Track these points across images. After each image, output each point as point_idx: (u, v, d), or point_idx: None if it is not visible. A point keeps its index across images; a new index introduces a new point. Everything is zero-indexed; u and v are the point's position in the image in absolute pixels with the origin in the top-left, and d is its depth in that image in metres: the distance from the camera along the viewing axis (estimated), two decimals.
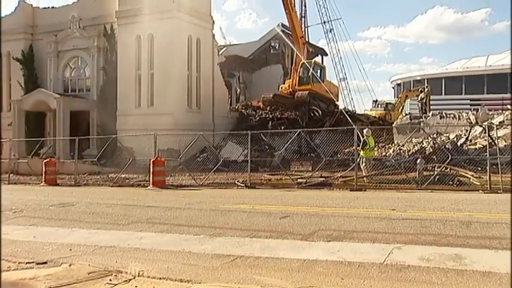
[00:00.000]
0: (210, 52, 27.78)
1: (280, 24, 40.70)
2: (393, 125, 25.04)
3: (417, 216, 9.09)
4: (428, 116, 25.07)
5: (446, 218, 8.75)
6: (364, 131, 16.89)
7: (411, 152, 19.99)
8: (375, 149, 18.60)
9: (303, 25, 43.99)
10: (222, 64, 30.94)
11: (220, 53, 31.89)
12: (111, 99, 26.67)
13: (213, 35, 28.48)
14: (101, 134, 26.35)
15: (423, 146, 20.28)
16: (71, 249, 7.02)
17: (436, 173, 15.17)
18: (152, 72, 25.61)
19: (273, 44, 43.51)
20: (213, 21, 28.09)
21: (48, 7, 32.46)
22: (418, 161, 15.30)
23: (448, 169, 15.88)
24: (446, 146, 18.56)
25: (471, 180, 14.92)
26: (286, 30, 35.06)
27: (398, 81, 78.31)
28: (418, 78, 71.20)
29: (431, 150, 19.16)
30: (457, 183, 14.59)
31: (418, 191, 13.76)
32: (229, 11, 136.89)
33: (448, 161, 15.54)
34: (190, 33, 25.96)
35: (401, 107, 40.64)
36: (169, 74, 24.87)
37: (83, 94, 29.63)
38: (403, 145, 21.01)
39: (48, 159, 19.93)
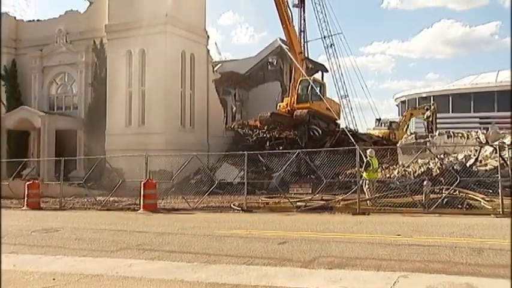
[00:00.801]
0: (204, 68, 28.12)
1: (279, 39, 41.21)
2: (398, 144, 25.13)
3: (424, 242, 9.04)
4: (435, 135, 25.17)
5: (456, 244, 8.70)
6: (367, 151, 16.95)
7: (417, 173, 20.03)
8: (379, 170, 18.65)
9: (301, 40, 44.48)
10: (217, 81, 31.26)
11: (215, 69, 32.23)
12: (99, 118, 26.79)
13: (208, 51, 28.91)
14: (88, 154, 26.46)
15: (430, 167, 20.33)
16: (54, 279, 6.94)
17: (444, 195, 15.15)
18: (143, 89, 25.83)
19: (270, 60, 44.06)
20: (208, 36, 28.59)
21: (33, 20, 32.64)
22: (425, 183, 15.29)
23: (457, 192, 15.87)
24: (455, 167, 18.61)
25: (482, 203, 14.90)
26: (285, 46, 35.51)
27: (403, 99, 79.01)
28: (424, 95, 71.87)
29: (438, 171, 19.21)
30: (467, 206, 14.57)
31: (425, 215, 13.74)
32: (225, 25, 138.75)
33: (456, 183, 15.49)
34: (183, 49, 26.30)
35: (406, 126, 40.89)
36: (161, 91, 25.11)
37: (70, 112, 29.81)
38: (408, 166, 21.04)
39: (31, 181, 19.78)
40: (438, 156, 20.17)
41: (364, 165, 16.27)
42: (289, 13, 30.80)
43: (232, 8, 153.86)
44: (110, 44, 26.97)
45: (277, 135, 29.46)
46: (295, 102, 30.59)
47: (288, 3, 30.87)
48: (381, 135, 35.82)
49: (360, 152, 16.03)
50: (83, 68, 29.08)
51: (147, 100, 25.60)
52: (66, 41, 29.72)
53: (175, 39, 25.71)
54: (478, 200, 15.22)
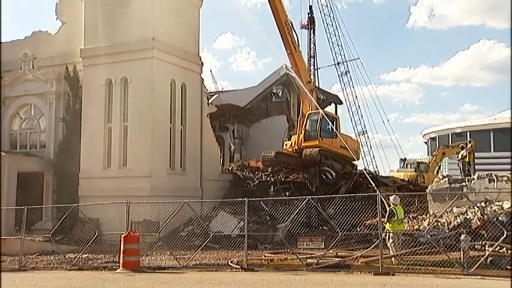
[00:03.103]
0: (198, 100, 28.62)
1: (285, 66, 42.02)
2: (427, 190, 25.29)
3: None
4: (473, 179, 25.21)
5: None
6: (391, 198, 17.16)
7: (452, 225, 20.07)
8: (405, 220, 18.78)
9: (311, 67, 45.50)
10: (213, 115, 31.70)
11: (210, 101, 32.77)
12: (72, 158, 27.03)
13: (202, 80, 29.46)
14: (57, 202, 26.50)
15: (468, 217, 20.34)
16: None
17: (487, 253, 15.09)
18: (126, 125, 26.17)
19: (275, 91, 44.63)
20: (202, 63, 29.20)
21: None
22: (463, 237, 15.25)
23: (504, 249, 15.82)
24: (500, 218, 18.58)
25: None
26: (292, 74, 36.24)
27: (433, 135, 79.44)
28: (459, 130, 72.20)
29: (479, 223, 19.21)
30: None
31: (464, 276, 13.70)
32: (223, 49, 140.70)
33: (503, 238, 15.43)
34: (173, 78, 26.89)
35: (437, 168, 41.18)
36: (147, 128, 25.44)
37: (36, 151, 29.91)
38: (441, 216, 21.10)
39: None
40: (478, 205, 20.12)
41: (387, 215, 16.44)
42: (295, 36, 31.58)
43: (231, 29, 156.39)
44: (86, 72, 27.44)
45: (283, 179, 29.73)
46: (303, 140, 31.04)
47: (292, 24, 31.68)
48: (406, 179, 36.04)
49: (381, 199, 16.22)
50: (52, 99, 29.41)
51: (130, 137, 25.89)
52: (33, 67, 30.13)
53: (164, 67, 26.31)
54: None
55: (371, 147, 46.64)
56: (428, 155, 67.63)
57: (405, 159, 44.06)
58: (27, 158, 29.12)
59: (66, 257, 19.51)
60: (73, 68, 28.53)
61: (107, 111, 26.63)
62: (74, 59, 28.03)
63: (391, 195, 17.78)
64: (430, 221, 21.31)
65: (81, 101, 27.55)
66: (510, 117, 56.40)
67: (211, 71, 66.66)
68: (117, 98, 26.38)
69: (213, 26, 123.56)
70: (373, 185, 24.20)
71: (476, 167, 37.95)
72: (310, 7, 46.81)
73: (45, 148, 29.65)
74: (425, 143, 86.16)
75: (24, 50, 30.47)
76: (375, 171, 40.84)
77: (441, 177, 28.56)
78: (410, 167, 41.52)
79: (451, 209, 21.38)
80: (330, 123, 31.37)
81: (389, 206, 16.71)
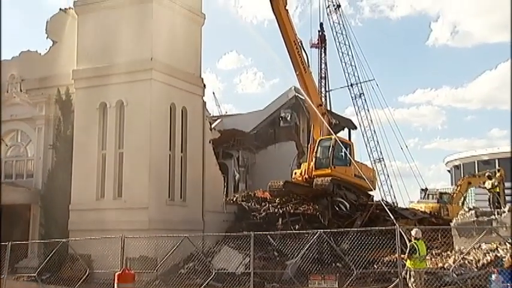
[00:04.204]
0: (199, 125, 28.75)
1: (294, 88, 42.39)
2: (452, 223, 25.25)
3: None
4: (504, 211, 25.17)
5: None
6: (412, 232, 17.14)
7: (481, 263, 19.98)
8: (428, 257, 18.72)
9: (322, 89, 45.88)
10: (216, 141, 31.95)
11: (213, 126, 33.01)
12: (62, 189, 27.00)
13: (204, 103, 29.59)
14: (45, 236, 26.36)
15: (499, 255, 20.25)
16: None
17: None
18: (121, 152, 26.26)
19: (283, 115, 44.92)
20: (204, 85, 29.38)
21: None
22: (493, 277, 15.24)
23: None
24: None
25: None
26: (302, 96, 36.56)
27: (457, 163, 79.53)
28: (486, 158, 72.28)
29: (511, 261, 19.17)
30: None
31: None
32: (227, 70, 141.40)
33: None
34: (173, 101, 27.05)
35: (462, 199, 41.12)
36: (144, 155, 25.52)
37: (23, 181, 29.91)
38: (468, 253, 21.01)
39: None
40: (510, 241, 20.11)
41: (408, 251, 16.42)
42: (305, 56, 32.00)
43: (236, 48, 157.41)
44: (78, 94, 27.67)
45: (292, 211, 29.72)
46: (314, 168, 31.13)
47: (302, 43, 32.06)
48: (428, 211, 35.93)
49: (401, 233, 16.24)
50: (42, 124, 29.52)
51: (125, 166, 25.98)
52: (21, 90, 30.30)
53: (163, 89, 26.52)
54: None
55: (388, 176, 46.72)
56: (452, 184, 67.67)
57: (426, 189, 44.03)
58: (13, 188, 28.85)
59: None
60: (65, 90, 28.56)
61: (101, 138, 26.73)
62: (65, 80, 28.13)
63: (412, 229, 17.77)
64: (456, 258, 21.22)
65: (73, 127, 27.60)
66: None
67: (214, 93, 67.27)
68: (112, 123, 26.50)
69: (216, 44, 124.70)
70: (392, 217, 24.18)
71: (507, 198, 37.87)
72: (321, 24, 47.49)
73: (32, 178, 29.61)
74: (449, 171, 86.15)
75: (11, 71, 30.60)
76: (393, 203, 40.84)
77: (467, 209, 28.42)
78: (432, 198, 41.49)
79: (480, 245, 21.26)
80: (343, 149, 31.51)
81: (410, 241, 16.70)
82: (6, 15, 76.21)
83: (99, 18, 27.24)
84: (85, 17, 27.71)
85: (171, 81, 26.93)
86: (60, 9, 30.28)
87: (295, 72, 31.38)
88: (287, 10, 31.15)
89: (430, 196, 42.22)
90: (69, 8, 29.29)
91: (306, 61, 32.08)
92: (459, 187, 41.94)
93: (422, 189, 43.84)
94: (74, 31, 28.02)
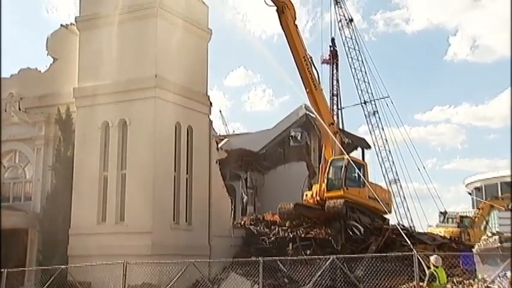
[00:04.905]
0: (205, 145, 28.95)
1: (304, 105, 42.52)
2: (474, 250, 25.15)
3: None
4: None
5: None
6: (431, 258, 17.09)
7: None
8: (448, 286, 18.63)
9: (334, 107, 45.98)
10: (223, 161, 32.17)
11: (220, 146, 33.16)
12: (61, 212, 27.07)
13: (211, 122, 29.82)
14: (43, 263, 26.27)
15: None
16: None
17: None
18: (124, 174, 26.36)
19: (293, 134, 45.04)
20: (211, 103, 29.63)
21: None
22: None
23: None
24: None
25: None
26: (313, 115, 36.66)
27: (478, 184, 79.01)
28: (509, 179, 71.80)
29: None
30: None
31: None
32: (234, 86, 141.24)
33: None
34: (178, 120, 27.26)
35: (484, 223, 40.87)
36: (148, 176, 25.62)
37: (20, 204, 29.95)
38: (492, 281, 20.90)
39: None
40: None
41: (427, 279, 16.36)
42: (315, 73, 32.18)
43: (244, 64, 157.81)
44: (79, 113, 27.81)
45: (303, 235, 29.69)
46: (325, 190, 31.13)
47: (312, 60, 32.23)
48: (448, 236, 35.78)
49: (419, 259, 16.23)
50: (41, 144, 29.62)
51: (128, 188, 26.05)
52: (20, 109, 30.47)
53: (167, 107, 26.71)
54: None
55: (405, 198, 46.44)
56: (473, 207, 67.06)
57: (446, 212, 43.70)
58: (9, 212, 28.73)
59: None
60: (65, 109, 28.66)
61: (103, 158, 26.87)
62: (66, 99, 28.33)
63: (431, 255, 17.74)
64: (479, 287, 21.11)
65: (74, 147, 27.69)
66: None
67: (220, 111, 67.32)
68: (114, 143, 26.65)
69: (223, 60, 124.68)
70: (409, 242, 24.06)
71: None
72: (333, 39, 47.72)
73: (30, 201, 29.63)
74: (469, 193, 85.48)
75: (9, 89, 30.70)
76: (410, 227, 40.62)
77: (490, 234, 28.28)
78: (452, 222, 41.25)
79: (505, 273, 21.09)
80: (357, 170, 31.42)
81: (429, 268, 16.67)
82: (6, 32, 77.17)
83: (102, 34, 27.51)
84: (87, 33, 28.04)
85: (176, 99, 27.10)
86: (62, 25, 30.75)
87: (305, 89, 31.54)
88: (296, 25, 31.44)
89: (450, 220, 41.96)
90: (71, 24, 29.79)
91: (317, 78, 32.25)
92: (481, 210, 41.79)
93: (441, 213, 43.53)
94: (76, 48, 28.26)
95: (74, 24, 29.03)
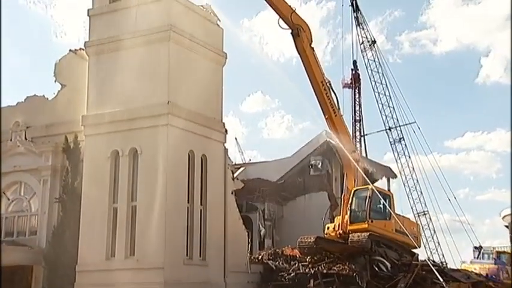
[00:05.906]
0: (221, 175, 29.18)
1: (325, 132, 42.68)
2: None
3: None
4: None
5: None
6: None
7: None
8: None
9: (356, 133, 46.22)
10: (239, 192, 32.15)
11: (236, 175, 33.32)
12: (68, 247, 27.20)
13: (226, 150, 30.12)
14: None
15: None
16: None
17: None
18: (134, 205, 26.57)
19: (313, 162, 45.14)
20: (226, 130, 29.95)
21: None
22: None
23: None
24: None
25: None
26: (333, 141, 36.83)
27: None
28: None
29: None
30: None
31: None
32: (251, 113, 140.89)
33: None
34: (191, 148, 27.54)
35: None
36: (159, 208, 25.72)
37: (25, 239, 30.09)
38: None
39: None
40: None
41: None
42: (334, 98, 32.48)
43: (261, 89, 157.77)
44: (88, 142, 28.08)
45: (325, 271, 29.61)
46: (349, 222, 31.24)
47: (331, 84, 32.46)
48: (484, 273, 35.55)
49: None
50: (47, 175, 29.86)
51: (139, 221, 26.24)
52: (26, 138, 30.81)
53: (180, 135, 26.98)
54: None
55: (435, 232, 46.34)
56: (511, 242, 66.53)
57: (481, 247, 43.30)
58: (13, 248, 28.97)
59: None
60: (73, 138, 29.02)
61: (112, 189, 27.11)
62: (74, 127, 28.74)
63: None
64: None
65: (82, 177, 27.89)
66: None
67: (236, 139, 67.82)
68: (124, 173, 26.92)
69: (239, 85, 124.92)
70: (441, 280, 24.13)
71: None
72: (355, 62, 48.27)
73: (35, 235, 29.77)
74: (506, 226, 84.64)
75: (15, 118, 31.22)
76: (442, 262, 40.50)
77: None
78: (488, 258, 40.93)
79: None
80: (382, 201, 31.51)
81: None
82: (11, 57, 78.31)
83: (112, 60, 28.01)
84: (96, 58, 28.57)
85: (189, 127, 27.42)
86: (70, 50, 31.33)
87: (324, 115, 31.91)
88: (313, 48, 31.81)
89: (486, 255, 41.59)
90: (80, 49, 30.36)
91: (336, 103, 32.53)
92: None
93: (475, 248, 43.17)
94: (84, 73, 28.75)
95: (83, 49, 29.62)
